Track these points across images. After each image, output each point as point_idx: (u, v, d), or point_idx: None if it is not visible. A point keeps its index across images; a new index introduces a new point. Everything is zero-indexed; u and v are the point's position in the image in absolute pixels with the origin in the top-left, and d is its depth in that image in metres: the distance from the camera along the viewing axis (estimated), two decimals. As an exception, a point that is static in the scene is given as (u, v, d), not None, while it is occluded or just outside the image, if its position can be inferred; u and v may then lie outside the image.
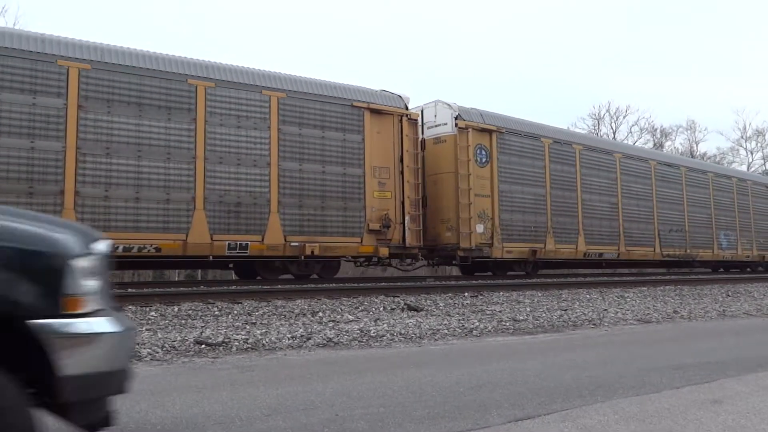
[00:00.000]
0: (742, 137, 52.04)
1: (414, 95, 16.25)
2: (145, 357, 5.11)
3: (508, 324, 7.69)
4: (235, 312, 8.10)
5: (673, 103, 66.36)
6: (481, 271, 16.34)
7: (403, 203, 13.11)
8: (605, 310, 9.59)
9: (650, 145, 45.96)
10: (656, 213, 19.49)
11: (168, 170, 10.40)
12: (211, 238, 10.61)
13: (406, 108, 13.58)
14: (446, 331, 6.92)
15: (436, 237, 14.54)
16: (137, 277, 21.34)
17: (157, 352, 5.27)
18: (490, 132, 14.92)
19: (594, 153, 17.77)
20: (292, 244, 11.48)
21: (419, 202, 13.61)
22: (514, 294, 11.49)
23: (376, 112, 12.93)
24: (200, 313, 7.88)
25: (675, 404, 3.62)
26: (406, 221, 13.11)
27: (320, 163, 12.01)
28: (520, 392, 3.91)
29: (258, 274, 12.38)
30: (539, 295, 11.60)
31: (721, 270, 24.64)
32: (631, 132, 48.22)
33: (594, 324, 8.10)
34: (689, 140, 51.50)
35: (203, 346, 5.61)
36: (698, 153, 49.18)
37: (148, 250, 10.13)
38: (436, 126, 14.86)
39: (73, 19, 49.94)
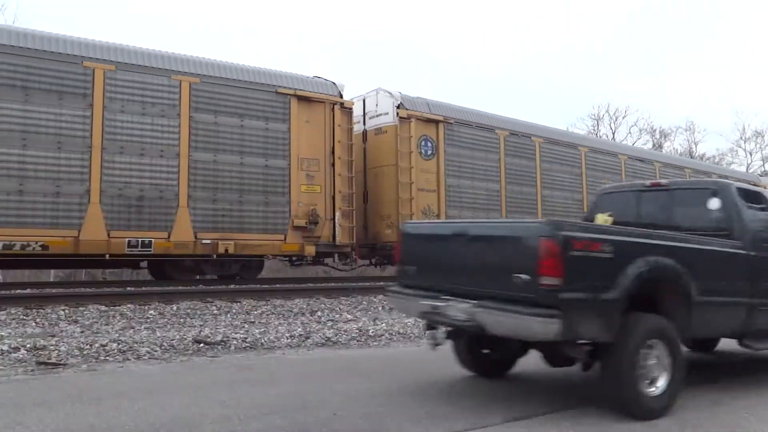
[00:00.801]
0: (741, 138, 52.03)
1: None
2: (144, 355, 5.10)
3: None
4: (234, 311, 8.08)
5: (673, 104, 66.38)
6: None
7: (334, 198, 12.03)
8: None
9: (649, 145, 45.95)
10: (586, 206, 18.08)
11: (59, 161, 9.44)
12: (108, 235, 9.65)
13: (341, 96, 12.43)
14: (445, 331, 6.91)
15: (376, 235, 13.45)
16: (136, 276, 21.30)
17: (156, 351, 5.26)
18: (436, 122, 13.76)
19: (557, 146, 16.61)
20: (204, 241, 10.48)
21: (352, 197, 12.54)
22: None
23: (304, 99, 11.83)
24: (199, 312, 7.87)
25: None
26: (336, 217, 12.02)
27: (238, 154, 11.01)
28: (520, 392, 3.90)
29: (167, 275, 11.14)
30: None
31: None
32: (630, 133, 48.19)
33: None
34: (688, 141, 51.47)
35: (202, 344, 5.60)
36: (697, 154, 49.21)
37: (33, 248, 9.19)
38: (377, 116, 13.71)
39: (77, 17, 49.89)
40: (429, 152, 13.67)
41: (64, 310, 7.51)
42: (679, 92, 63.39)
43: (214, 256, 10.77)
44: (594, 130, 45.82)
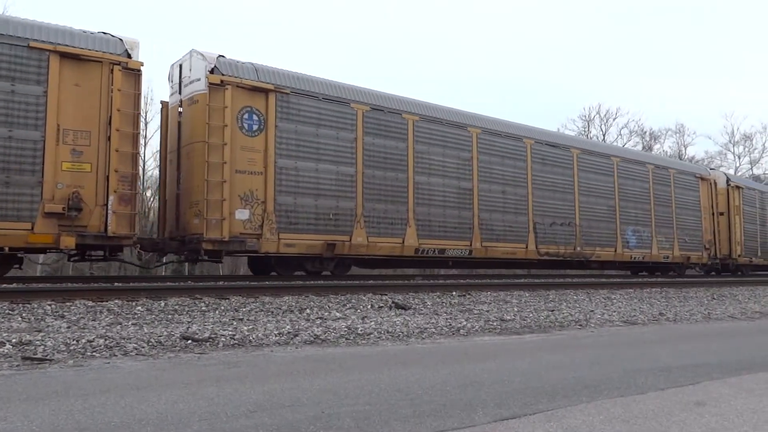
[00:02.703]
0: (730, 141, 52.61)
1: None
2: (131, 352, 5.08)
3: (495, 324, 7.71)
4: (222, 308, 8.06)
5: (663, 106, 66.84)
6: (282, 269, 13.15)
7: (108, 179, 9.94)
8: (592, 311, 9.64)
9: (639, 147, 46.26)
10: (531, 202, 16.13)
11: None
12: None
13: (128, 55, 10.29)
14: (433, 330, 6.93)
15: (186, 225, 11.57)
16: (123, 271, 21.23)
17: (143, 347, 5.24)
18: (266, 92, 11.74)
19: (436, 126, 14.38)
20: None
21: (135, 178, 10.38)
22: (502, 294, 11.54)
23: (72, 57, 9.78)
24: (187, 309, 7.84)
25: (659, 406, 3.65)
26: (110, 202, 9.91)
27: None
28: (506, 392, 3.92)
29: None
30: (527, 295, 11.65)
31: (645, 273, 21.94)
32: (621, 134, 48.58)
33: (580, 325, 8.14)
34: (678, 143, 51.98)
35: (189, 341, 5.58)
36: (686, 156, 49.63)
37: None
38: (191, 83, 11.70)
39: (68, 9, 49.49)
40: (255, 127, 11.66)
41: (50, 305, 7.45)
42: (670, 94, 63.81)
43: None
44: (585, 131, 46.07)
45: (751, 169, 51.83)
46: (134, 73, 10.43)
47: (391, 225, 13.36)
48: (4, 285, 9.12)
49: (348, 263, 13.77)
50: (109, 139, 10.04)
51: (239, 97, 11.49)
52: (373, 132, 13.25)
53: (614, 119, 54.57)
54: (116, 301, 7.98)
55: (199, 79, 11.43)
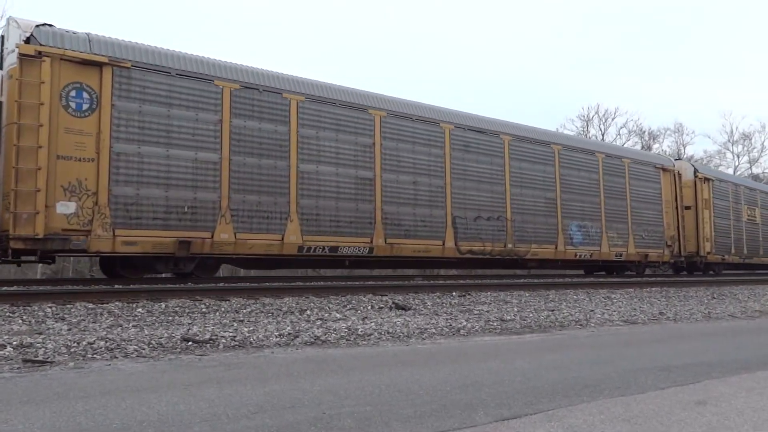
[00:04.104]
0: (728, 141, 52.65)
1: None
2: (132, 353, 5.08)
3: (495, 324, 7.71)
4: (223, 309, 8.06)
5: (662, 105, 66.87)
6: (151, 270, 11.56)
7: None
8: (592, 311, 9.64)
9: (639, 147, 46.28)
10: (450, 194, 14.40)
11: None
12: None
13: None
14: (434, 331, 6.93)
15: None
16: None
17: (144, 349, 5.24)
18: (100, 66, 10.11)
19: (327, 107, 12.69)
20: None
21: None
22: (502, 294, 11.54)
23: None
24: (187, 310, 7.85)
25: (660, 405, 3.65)
26: None
27: None
28: (507, 392, 3.93)
29: None
30: (527, 295, 11.65)
31: (597, 272, 19.96)
32: (619, 134, 48.63)
33: (581, 325, 8.14)
34: (677, 143, 52.01)
35: (190, 343, 5.58)
36: (685, 155, 49.65)
37: None
38: (8, 55, 10.11)
39: (70, 10, 49.46)
40: (84, 107, 10.01)
41: (51, 307, 7.46)
42: (668, 94, 63.82)
43: None
44: (584, 131, 46.09)
45: (750, 168, 51.89)
46: None
47: (267, 219, 11.68)
48: (5, 288, 9.13)
49: (213, 264, 12.35)
50: None
51: (64, 71, 9.86)
52: (244, 113, 11.57)
53: (613, 119, 54.64)
54: (116, 303, 7.99)
55: (14, 51, 9.85)
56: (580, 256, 17.21)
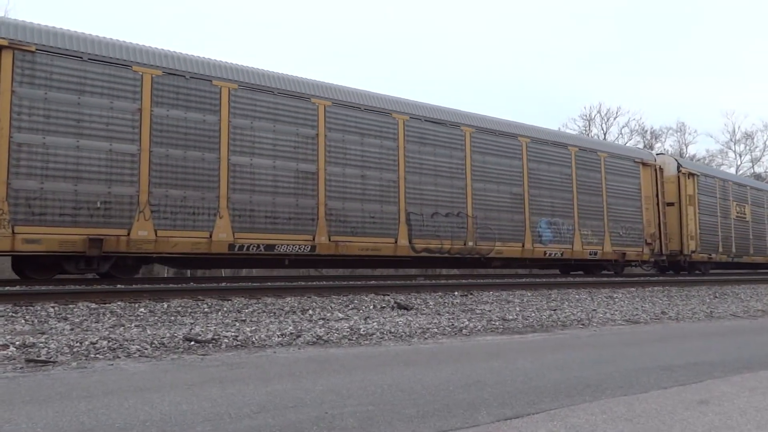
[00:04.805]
0: (731, 140, 52.60)
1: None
2: (134, 353, 5.08)
3: (497, 323, 7.71)
4: (225, 309, 8.07)
5: (664, 105, 66.79)
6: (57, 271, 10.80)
7: None
8: (594, 310, 9.63)
9: (641, 146, 46.26)
10: (404, 188, 13.61)
11: None
12: None
13: None
14: (436, 330, 6.93)
15: None
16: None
17: (146, 349, 5.24)
18: None
19: (264, 96, 11.92)
20: None
21: None
22: (504, 293, 11.54)
23: None
24: (190, 310, 7.86)
25: (662, 404, 3.65)
26: None
27: None
28: (509, 391, 3.93)
29: None
30: (529, 294, 11.64)
31: (573, 272, 18.91)
32: (621, 133, 48.59)
33: (583, 324, 8.14)
34: (679, 142, 51.97)
35: (192, 342, 5.59)
36: (688, 155, 49.59)
37: None
38: None
39: (71, 10, 49.51)
40: None
41: (53, 307, 7.47)
42: (670, 93, 63.76)
43: None
44: (586, 130, 46.06)
45: (753, 167, 51.84)
46: None
47: (193, 216, 10.95)
48: (8, 288, 9.14)
49: (132, 263, 11.50)
50: None
51: None
52: (167, 102, 10.82)
53: (615, 118, 54.58)
54: (119, 303, 8.00)
55: None
56: (550, 254, 16.38)
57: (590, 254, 17.41)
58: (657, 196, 19.80)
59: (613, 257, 18.05)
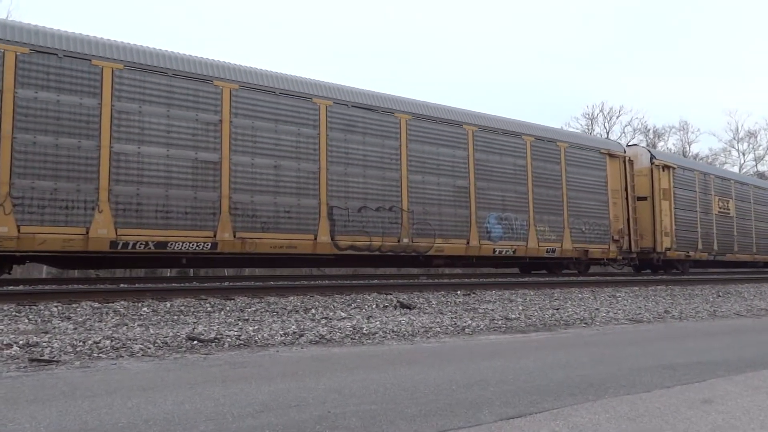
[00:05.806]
0: (734, 138, 52.47)
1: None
2: (137, 352, 5.09)
3: (500, 322, 7.70)
4: (228, 308, 8.08)
5: (667, 104, 66.67)
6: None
7: None
8: (597, 309, 9.62)
9: (644, 145, 46.18)
10: (325, 180, 12.46)
11: None
12: None
13: None
14: (438, 329, 6.93)
15: None
16: (129, 273, 21.28)
17: (149, 348, 5.25)
18: None
19: (156, 78, 10.86)
20: None
21: None
22: (507, 293, 11.53)
23: None
24: (192, 309, 7.87)
25: (666, 404, 3.64)
26: None
27: None
28: (512, 390, 3.92)
29: None
30: (531, 294, 11.63)
31: (535, 271, 17.53)
32: (624, 132, 48.50)
33: (586, 323, 8.13)
34: (682, 141, 51.86)
35: (195, 342, 5.60)
36: (691, 153, 49.50)
37: None
38: None
39: (72, 11, 49.58)
40: None
41: (57, 306, 7.49)
42: (673, 92, 63.64)
43: None
44: (588, 129, 45.99)
45: (756, 165, 51.71)
46: None
47: (65, 210, 9.82)
48: (11, 287, 9.16)
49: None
50: None
51: None
52: (36, 83, 9.74)
53: (618, 117, 54.45)
54: (122, 302, 8.01)
55: None
56: (500, 252, 15.15)
57: (547, 252, 16.15)
58: (626, 189, 18.40)
59: (573, 255, 16.73)
